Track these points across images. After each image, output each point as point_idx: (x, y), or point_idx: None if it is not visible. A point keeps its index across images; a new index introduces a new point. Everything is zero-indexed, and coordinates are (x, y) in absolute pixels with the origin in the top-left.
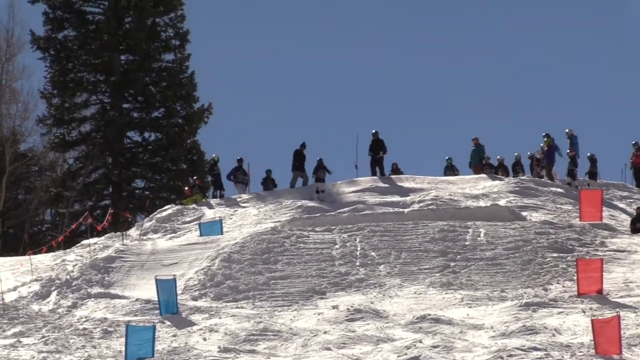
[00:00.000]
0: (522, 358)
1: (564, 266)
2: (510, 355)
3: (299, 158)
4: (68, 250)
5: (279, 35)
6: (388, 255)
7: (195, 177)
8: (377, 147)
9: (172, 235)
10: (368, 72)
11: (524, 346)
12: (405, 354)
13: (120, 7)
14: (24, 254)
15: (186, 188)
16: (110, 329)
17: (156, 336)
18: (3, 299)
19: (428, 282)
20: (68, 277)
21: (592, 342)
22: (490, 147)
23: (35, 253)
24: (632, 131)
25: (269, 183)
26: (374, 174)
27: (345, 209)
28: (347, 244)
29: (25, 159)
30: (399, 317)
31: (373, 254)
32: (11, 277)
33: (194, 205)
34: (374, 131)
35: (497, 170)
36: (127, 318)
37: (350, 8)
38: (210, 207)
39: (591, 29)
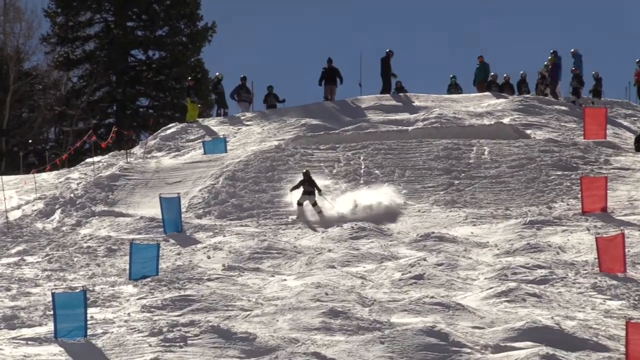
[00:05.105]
0: (526, 276)
1: (568, 184)
2: (515, 273)
3: (329, 72)
4: (72, 168)
5: None
6: (392, 173)
7: (189, 78)
8: (388, 67)
9: (176, 153)
10: None
11: (528, 264)
12: (410, 272)
13: None
14: (28, 170)
15: (189, 78)
16: (114, 247)
17: (160, 254)
18: (7, 218)
19: (432, 200)
20: (72, 195)
21: (597, 260)
22: (495, 65)
23: (39, 171)
24: (636, 49)
25: (271, 99)
26: (388, 91)
27: (349, 127)
28: (351, 162)
29: (29, 77)
30: (403, 235)
31: (377, 171)
32: (15, 196)
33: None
34: (388, 50)
35: (502, 89)
36: (131, 236)
37: None
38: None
39: None
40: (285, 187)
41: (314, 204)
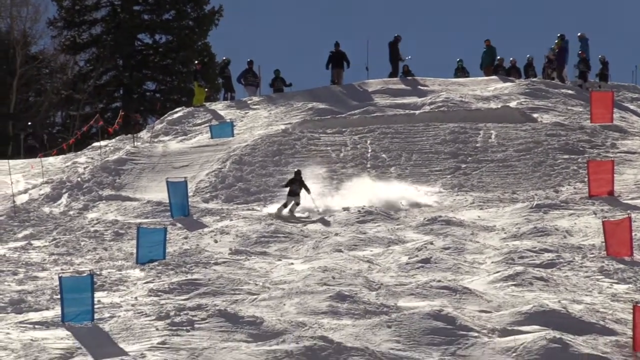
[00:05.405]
0: (533, 260)
1: (575, 168)
2: (522, 257)
3: (336, 56)
4: (79, 152)
5: None
6: (399, 157)
7: (196, 62)
8: (396, 51)
9: (183, 137)
10: None
11: (535, 248)
12: (416, 256)
13: None
14: (27, 152)
15: (196, 62)
16: (121, 231)
17: (167, 238)
18: (14, 202)
19: (439, 184)
20: (79, 179)
21: (603, 243)
22: (502, 49)
23: (46, 155)
24: None
25: (278, 83)
26: (397, 75)
27: (356, 111)
28: (358, 146)
29: (36, 61)
30: (410, 219)
31: (384, 155)
32: (22, 180)
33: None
34: (397, 35)
35: (509, 72)
36: (138, 220)
37: None
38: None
39: None
40: (292, 171)
41: (298, 204)
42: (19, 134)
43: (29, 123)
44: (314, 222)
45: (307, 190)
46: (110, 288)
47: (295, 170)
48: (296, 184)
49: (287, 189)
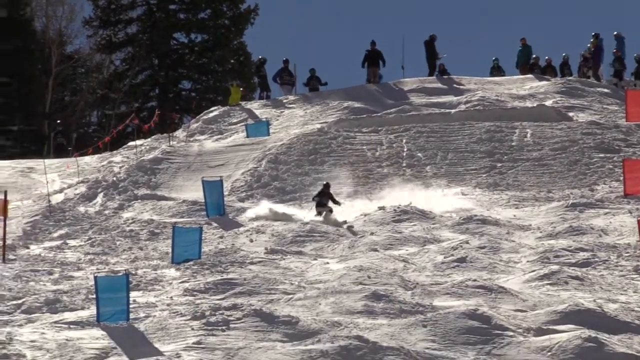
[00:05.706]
0: (568, 259)
1: (611, 166)
2: (557, 256)
3: (372, 55)
4: (114, 151)
5: None
6: (434, 156)
7: (232, 60)
8: (432, 50)
9: (219, 136)
10: None
11: (570, 247)
12: (452, 255)
13: None
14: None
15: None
16: (157, 231)
17: (203, 238)
18: (50, 201)
19: (474, 182)
20: (114, 178)
21: (639, 242)
22: (538, 47)
23: (81, 155)
24: None
25: (313, 82)
26: (432, 73)
27: (392, 110)
28: (394, 145)
29: (71, 60)
30: (446, 218)
31: (419, 154)
32: (58, 179)
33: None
34: (432, 34)
35: (545, 71)
36: (173, 219)
37: None
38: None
39: None
40: (327, 170)
41: (331, 211)
42: (50, 133)
43: (58, 121)
44: (348, 226)
45: (337, 203)
46: (146, 288)
47: (324, 183)
48: (325, 197)
49: (316, 201)
